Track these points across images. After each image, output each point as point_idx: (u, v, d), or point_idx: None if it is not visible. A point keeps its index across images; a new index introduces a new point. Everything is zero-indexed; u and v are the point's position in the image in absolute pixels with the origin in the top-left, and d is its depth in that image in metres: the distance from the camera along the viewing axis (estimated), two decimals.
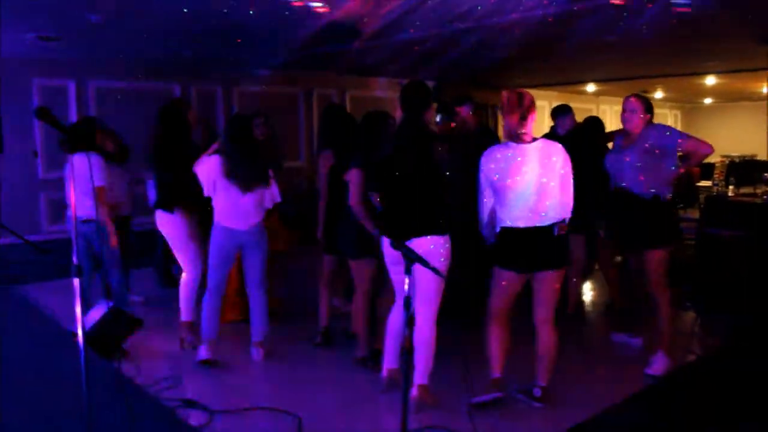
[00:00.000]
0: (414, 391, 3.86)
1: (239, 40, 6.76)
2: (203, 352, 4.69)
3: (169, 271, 6.87)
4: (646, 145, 4.43)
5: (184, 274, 5.11)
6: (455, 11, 6.15)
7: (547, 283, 3.89)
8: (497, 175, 3.79)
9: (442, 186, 3.88)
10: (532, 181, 3.74)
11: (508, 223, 3.83)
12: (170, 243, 5.13)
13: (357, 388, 4.33)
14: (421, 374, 3.93)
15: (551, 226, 3.78)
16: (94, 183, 5.12)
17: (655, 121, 4.57)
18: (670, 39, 7.98)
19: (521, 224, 3.79)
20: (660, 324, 4.53)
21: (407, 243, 3.64)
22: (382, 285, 4.57)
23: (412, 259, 2.94)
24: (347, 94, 12.53)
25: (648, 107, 4.52)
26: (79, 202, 5.10)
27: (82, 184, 4.96)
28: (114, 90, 9.90)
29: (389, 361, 4.15)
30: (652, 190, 4.42)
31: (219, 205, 4.62)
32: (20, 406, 3.92)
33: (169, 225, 5.06)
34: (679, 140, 4.40)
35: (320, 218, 4.96)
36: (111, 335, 4.70)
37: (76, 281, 2.84)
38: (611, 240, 4.96)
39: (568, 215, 3.87)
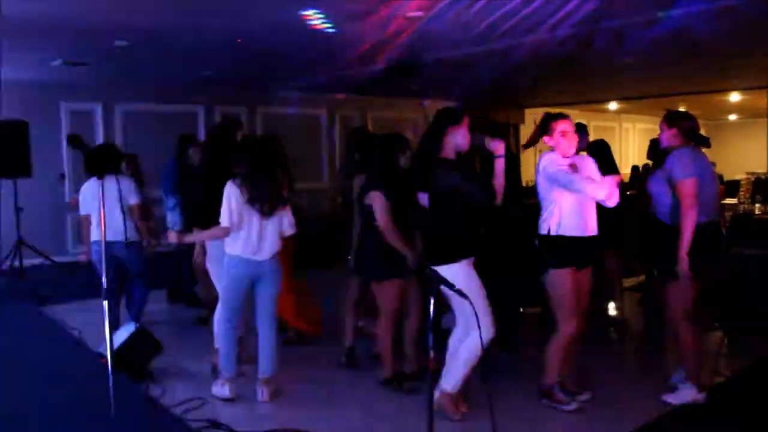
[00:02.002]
0: (435, 394, 3.83)
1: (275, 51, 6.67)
2: (225, 391, 4.42)
3: (193, 291, 6.89)
4: (663, 170, 4.16)
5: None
6: (475, 32, 6.18)
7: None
8: None
9: (448, 212, 3.90)
10: None
11: None
12: (210, 268, 4.83)
13: (382, 409, 4.31)
14: (446, 380, 3.98)
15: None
16: (130, 202, 5.36)
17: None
18: (691, 57, 7.96)
19: None
20: (684, 357, 4.27)
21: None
22: (407, 306, 4.58)
23: (437, 282, 2.93)
24: (369, 115, 12.59)
25: (670, 119, 4.31)
26: (113, 223, 5.21)
27: (112, 206, 5.13)
28: (140, 113, 10.07)
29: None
30: (673, 216, 4.08)
31: (242, 234, 4.26)
32: (48, 426, 3.96)
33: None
34: (673, 176, 4.04)
35: (352, 242, 4.87)
36: (137, 356, 4.75)
37: (105, 303, 2.87)
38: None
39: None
